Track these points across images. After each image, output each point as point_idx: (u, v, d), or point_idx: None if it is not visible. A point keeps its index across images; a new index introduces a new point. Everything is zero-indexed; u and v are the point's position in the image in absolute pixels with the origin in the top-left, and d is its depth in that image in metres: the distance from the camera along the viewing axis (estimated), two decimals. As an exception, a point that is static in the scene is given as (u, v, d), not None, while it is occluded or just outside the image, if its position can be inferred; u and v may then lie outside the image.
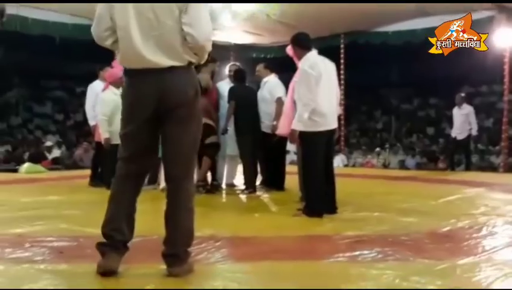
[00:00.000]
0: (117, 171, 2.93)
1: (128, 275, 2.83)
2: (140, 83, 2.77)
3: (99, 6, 2.84)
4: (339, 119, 13.79)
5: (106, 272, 2.73)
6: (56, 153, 13.77)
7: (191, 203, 2.84)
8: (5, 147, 15.14)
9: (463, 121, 10.98)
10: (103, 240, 2.84)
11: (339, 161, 13.78)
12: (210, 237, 3.93)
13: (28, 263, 3.08)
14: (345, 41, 13.82)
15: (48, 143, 14.82)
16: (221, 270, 3.00)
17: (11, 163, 12.71)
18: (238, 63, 8.08)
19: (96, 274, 2.78)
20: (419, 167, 14.69)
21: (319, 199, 4.88)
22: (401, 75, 21.68)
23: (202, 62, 2.95)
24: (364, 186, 8.33)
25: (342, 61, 13.69)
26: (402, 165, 15.08)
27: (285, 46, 5.39)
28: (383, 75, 21.86)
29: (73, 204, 5.81)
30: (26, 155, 13.67)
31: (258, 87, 7.14)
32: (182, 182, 2.81)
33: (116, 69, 6.85)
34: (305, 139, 4.89)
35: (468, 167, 11.68)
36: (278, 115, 6.36)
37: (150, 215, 5.28)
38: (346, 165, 14.24)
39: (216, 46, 12.22)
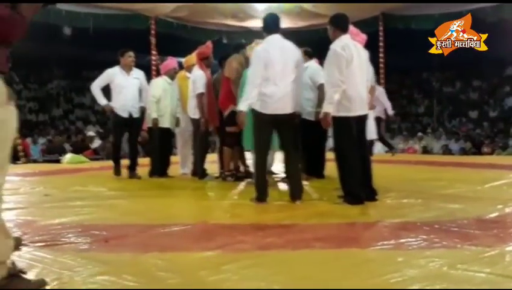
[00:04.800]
0: None
1: (172, 262, 2.85)
2: None
3: None
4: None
5: None
6: (97, 143, 14.03)
7: None
8: (47, 138, 15.51)
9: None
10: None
11: (379, 147, 13.58)
12: (253, 225, 3.95)
13: (73, 251, 3.14)
14: (384, 24, 13.58)
15: (90, 133, 15.13)
16: (264, 259, 2.98)
17: (54, 154, 13.03)
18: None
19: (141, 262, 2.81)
20: (463, 151, 14.34)
21: (358, 185, 4.82)
22: (442, 58, 21.23)
23: None
24: (407, 173, 8.20)
25: (381, 44, 13.48)
26: (445, 150, 14.75)
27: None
28: (424, 58, 21.38)
29: (116, 193, 5.91)
30: (68, 146, 14.01)
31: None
32: None
33: (170, 62, 7.71)
34: (336, 125, 4.82)
35: (390, 148, 11.83)
36: (321, 101, 6.28)
37: (193, 204, 5.37)
38: (387, 151, 14.03)
39: (252, 32, 12.25)
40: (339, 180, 4.97)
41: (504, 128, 17.63)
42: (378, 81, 12.79)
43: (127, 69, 7.25)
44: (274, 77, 4.84)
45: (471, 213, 4.32)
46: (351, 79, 4.74)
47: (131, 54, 7.25)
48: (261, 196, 4.99)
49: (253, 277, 2.63)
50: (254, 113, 4.96)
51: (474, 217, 4.13)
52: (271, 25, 5.10)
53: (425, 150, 15.12)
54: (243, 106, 4.89)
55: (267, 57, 4.84)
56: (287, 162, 5.19)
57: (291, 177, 5.14)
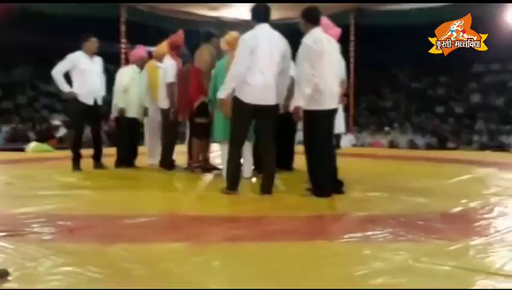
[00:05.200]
0: None
1: (138, 253, 2.82)
2: None
3: None
4: (347, 98, 13.86)
5: None
6: (62, 132, 13.79)
7: None
8: (11, 126, 15.15)
9: None
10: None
11: (347, 140, 13.72)
12: (219, 217, 3.94)
13: (37, 242, 3.08)
14: (355, 18, 13.70)
15: (55, 122, 14.85)
16: (232, 251, 2.98)
17: (18, 142, 12.74)
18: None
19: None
20: (429, 146, 14.58)
21: (326, 178, 4.85)
22: (410, 53, 21.43)
23: None
24: (374, 166, 8.30)
25: (352, 38, 13.59)
26: (411, 145, 14.97)
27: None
28: (392, 53, 21.59)
29: (81, 183, 5.82)
30: (33, 134, 13.73)
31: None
32: None
33: (139, 50, 7.62)
34: (306, 118, 4.82)
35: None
36: (290, 94, 6.29)
37: (160, 195, 5.32)
38: (354, 145, 14.17)
39: (224, 23, 12.17)
40: (307, 173, 4.99)
41: (469, 124, 17.99)
42: (348, 76, 12.93)
43: (90, 54, 6.91)
44: (260, 66, 4.81)
45: (436, 207, 4.40)
46: (322, 73, 4.73)
47: (94, 39, 6.92)
48: (232, 185, 4.97)
49: (221, 269, 2.63)
50: (235, 101, 4.91)
51: (439, 211, 4.21)
52: (260, 14, 5.05)
53: (392, 145, 15.32)
54: (222, 94, 4.86)
55: (255, 44, 4.80)
56: (263, 155, 5.15)
57: (266, 170, 5.09)
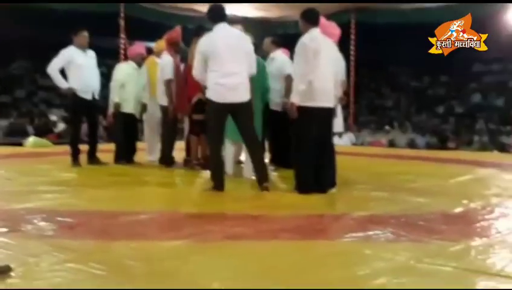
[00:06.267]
0: None
1: (139, 251, 2.82)
2: None
3: None
4: (347, 96, 13.84)
5: None
6: (61, 127, 13.75)
7: None
8: (9, 120, 15.10)
9: None
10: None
11: (346, 139, 13.71)
12: (218, 215, 3.93)
13: (38, 237, 3.08)
14: (355, 18, 13.71)
15: (53, 117, 14.82)
16: (233, 249, 2.97)
17: (16, 136, 12.69)
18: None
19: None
20: (429, 146, 14.56)
21: (310, 176, 4.86)
22: (411, 52, 21.43)
23: None
24: (374, 166, 8.26)
25: (352, 37, 13.59)
26: (411, 144, 14.94)
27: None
28: (392, 52, 21.54)
29: (81, 179, 5.81)
30: (31, 128, 13.69)
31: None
32: None
33: (137, 47, 7.58)
34: (299, 113, 4.80)
35: None
36: (288, 91, 6.27)
37: (160, 192, 5.31)
38: (354, 144, 14.14)
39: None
40: (293, 168, 5.00)
41: (470, 124, 17.96)
42: (348, 75, 12.93)
43: (83, 48, 6.87)
44: (225, 65, 4.88)
45: (437, 207, 4.39)
46: (317, 70, 4.75)
47: (85, 33, 6.89)
48: (218, 185, 4.97)
49: (222, 267, 2.62)
50: (208, 102, 4.98)
51: (440, 212, 4.20)
52: (216, 14, 5.12)
53: (392, 144, 15.29)
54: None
55: (209, 50, 4.90)
56: (248, 150, 5.25)
57: (255, 164, 5.13)
